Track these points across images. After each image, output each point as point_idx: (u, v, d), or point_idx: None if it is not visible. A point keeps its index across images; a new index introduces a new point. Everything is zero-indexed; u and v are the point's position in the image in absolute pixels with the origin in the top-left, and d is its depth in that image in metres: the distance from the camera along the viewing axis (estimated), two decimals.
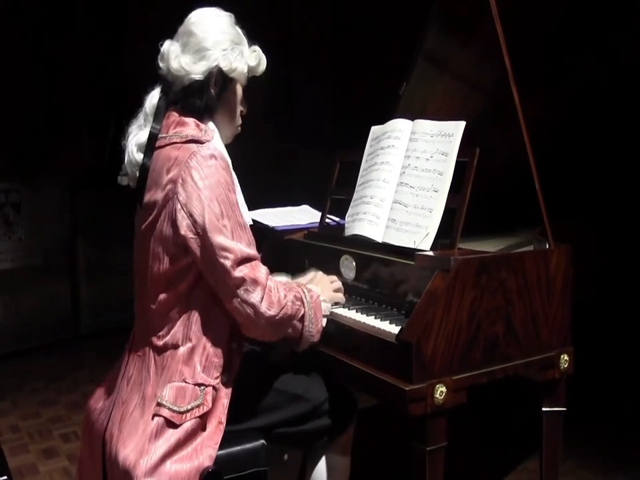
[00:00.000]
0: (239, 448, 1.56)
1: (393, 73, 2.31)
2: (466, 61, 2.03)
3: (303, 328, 1.60)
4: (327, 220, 2.25)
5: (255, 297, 1.49)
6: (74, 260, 4.66)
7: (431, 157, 1.83)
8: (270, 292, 1.52)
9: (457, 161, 1.77)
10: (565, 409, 1.89)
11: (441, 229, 1.76)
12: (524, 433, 2.71)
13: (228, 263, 1.48)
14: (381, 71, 4.14)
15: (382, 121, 2.05)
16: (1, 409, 3.47)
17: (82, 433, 1.75)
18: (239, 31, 1.65)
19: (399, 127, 1.97)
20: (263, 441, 1.59)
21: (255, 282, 1.50)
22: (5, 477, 1.55)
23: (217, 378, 1.55)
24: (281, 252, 2.26)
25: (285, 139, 4.28)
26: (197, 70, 1.57)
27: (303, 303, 1.60)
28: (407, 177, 1.88)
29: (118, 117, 4.79)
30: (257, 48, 1.66)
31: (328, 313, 1.70)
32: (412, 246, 1.78)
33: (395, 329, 1.62)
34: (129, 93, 4.81)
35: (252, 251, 1.53)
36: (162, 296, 1.54)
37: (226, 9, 1.68)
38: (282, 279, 1.90)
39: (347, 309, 1.83)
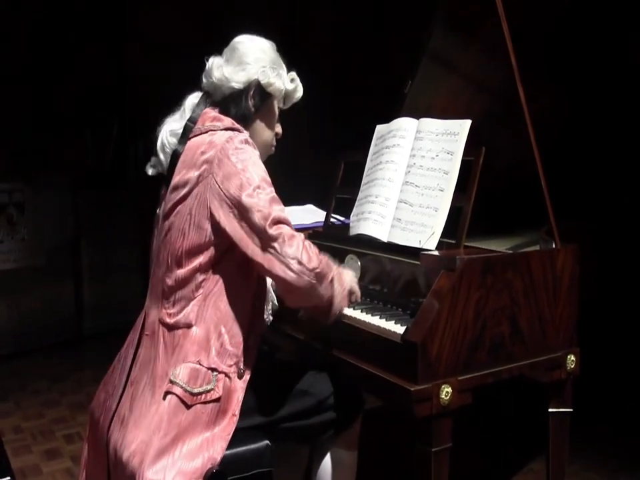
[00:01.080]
0: (243, 448, 1.56)
1: (393, 73, 2.30)
2: (471, 59, 2.03)
3: (333, 291, 1.61)
4: (332, 219, 2.25)
5: (294, 250, 1.50)
6: (77, 260, 4.66)
7: (437, 155, 1.83)
8: (308, 247, 1.54)
9: (462, 160, 1.77)
10: (571, 409, 1.89)
11: (447, 229, 1.76)
12: (530, 434, 2.70)
13: (263, 222, 1.50)
14: (381, 71, 4.14)
15: (387, 120, 2.05)
16: (4, 409, 3.47)
17: (87, 434, 1.75)
18: (279, 57, 1.74)
19: (404, 125, 1.97)
20: (267, 442, 1.59)
21: (292, 237, 1.52)
22: (8, 478, 1.56)
23: (230, 366, 1.57)
24: None
25: (286, 138, 4.31)
26: (237, 79, 1.65)
27: (329, 265, 1.61)
28: (412, 176, 1.88)
29: (121, 116, 4.81)
30: (295, 75, 1.75)
31: (352, 283, 1.72)
32: (417, 245, 1.78)
33: (400, 329, 1.61)
34: (129, 92, 4.83)
35: (289, 220, 1.55)
36: (180, 271, 1.57)
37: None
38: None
39: (351, 308, 1.82)
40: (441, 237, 1.76)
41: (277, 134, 1.79)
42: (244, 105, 1.66)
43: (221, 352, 1.55)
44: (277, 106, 1.75)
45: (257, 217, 1.50)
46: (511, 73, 1.78)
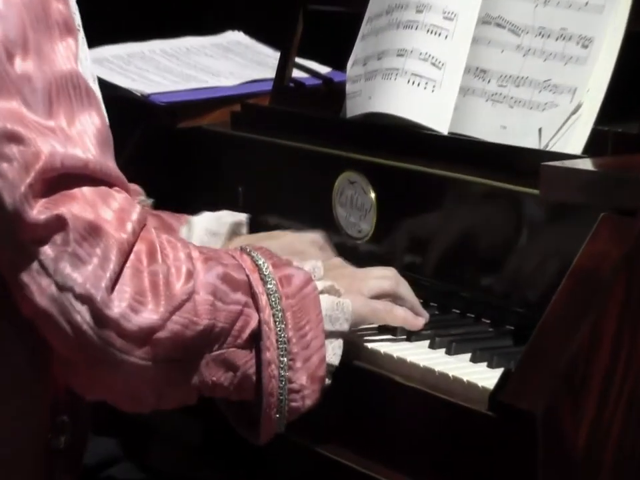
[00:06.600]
0: None
1: None
2: None
3: (264, 367, 1.60)
4: (296, 74, 2.43)
5: (93, 269, 1.49)
6: None
7: None
8: (140, 260, 1.53)
9: None
10: None
11: (611, 96, 1.84)
12: None
13: (18, 184, 1.48)
14: None
15: None
16: None
17: None
18: None
19: None
20: None
21: (96, 230, 1.50)
22: None
23: None
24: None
25: None
26: None
27: (252, 292, 1.61)
28: None
29: None
30: None
31: (337, 352, 1.69)
32: (534, 145, 1.83)
33: (485, 377, 1.57)
34: None
35: (96, 154, 1.54)
36: None
37: None
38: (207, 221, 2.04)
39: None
40: (598, 119, 1.81)
41: None
42: None
43: None
44: None
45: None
46: None
